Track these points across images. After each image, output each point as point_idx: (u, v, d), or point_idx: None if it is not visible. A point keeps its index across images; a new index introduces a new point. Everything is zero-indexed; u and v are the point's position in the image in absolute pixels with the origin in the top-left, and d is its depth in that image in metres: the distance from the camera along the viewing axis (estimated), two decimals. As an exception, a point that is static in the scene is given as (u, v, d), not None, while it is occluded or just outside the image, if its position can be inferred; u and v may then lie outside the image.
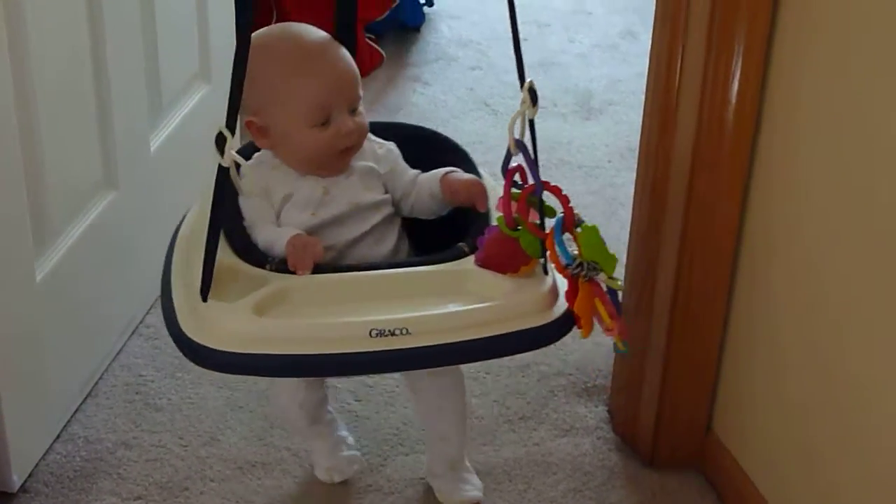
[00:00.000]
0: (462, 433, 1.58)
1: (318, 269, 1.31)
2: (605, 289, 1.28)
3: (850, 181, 1.33)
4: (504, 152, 1.34)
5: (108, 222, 1.81)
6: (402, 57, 3.00)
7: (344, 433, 1.69)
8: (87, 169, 1.77)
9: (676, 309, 1.62)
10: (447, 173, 1.44)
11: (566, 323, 1.30)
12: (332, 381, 1.82)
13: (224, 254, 1.32)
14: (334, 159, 1.41)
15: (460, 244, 1.36)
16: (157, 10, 1.91)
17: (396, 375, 1.79)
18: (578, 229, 1.28)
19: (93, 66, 1.73)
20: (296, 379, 1.50)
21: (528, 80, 1.30)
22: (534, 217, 1.32)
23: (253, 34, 1.24)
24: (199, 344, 1.26)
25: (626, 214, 1.79)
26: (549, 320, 1.29)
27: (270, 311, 1.26)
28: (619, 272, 1.80)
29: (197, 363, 1.28)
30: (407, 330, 1.24)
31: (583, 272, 1.27)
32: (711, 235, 1.57)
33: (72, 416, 1.78)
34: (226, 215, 1.32)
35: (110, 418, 1.79)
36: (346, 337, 1.24)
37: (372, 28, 2.96)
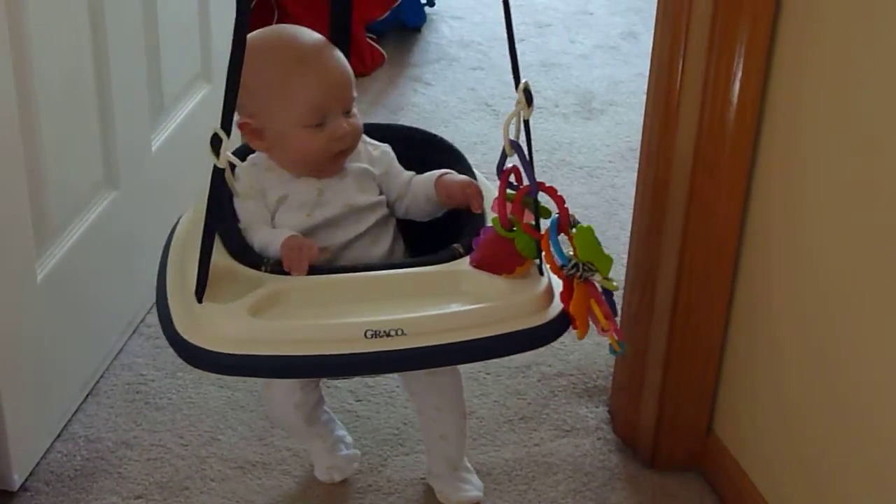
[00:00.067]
0: (461, 433, 1.58)
1: (313, 270, 1.31)
2: (600, 290, 1.28)
3: (851, 182, 1.33)
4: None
5: (110, 222, 1.81)
6: (403, 57, 3.01)
7: (341, 432, 1.69)
8: (88, 169, 1.77)
9: (677, 310, 1.62)
10: (442, 175, 1.44)
11: (561, 324, 1.30)
12: (331, 382, 1.82)
13: (219, 255, 1.32)
14: (329, 161, 1.41)
15: (455, 245, 1.35)
16: (159, 11, 1.91)
17: (395, 375, 1.79)
18: (574, 230, 1.28)
19: (94, 66, 1.73)
20: (290, 381, 1.50)
21: (523, 80, 1.29)
22: (529, 218, 1.32)
23: (248, 36, 1.24)
24: (194, 345, 1.26)
25: (626, 215, 1.80)
26: (544, 321, 1.29)
27: (265, 312, 1.26)
28: (620, 272, 1.82)
29: (192, 364, 1.28)
30: (402, 331, 1.24)
31: (578, 273, 1.27)
32: (712, 236, 1.57)
33: (72, 416, 1.78)
34: (221, 217, 1.32)
35: (111, 417, 1.79)
36: (341, 338, 1.24)
37: (373, 28, 2.97)
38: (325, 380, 1.70)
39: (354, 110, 1.43)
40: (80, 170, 1.75)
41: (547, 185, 1.31)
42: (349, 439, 1.69)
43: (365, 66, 2.89)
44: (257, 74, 1.32)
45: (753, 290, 1.56)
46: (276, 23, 2.78)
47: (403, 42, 3.08)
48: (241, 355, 1.23)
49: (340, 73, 1.41)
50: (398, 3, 2.98)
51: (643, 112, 1.64)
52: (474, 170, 1.49)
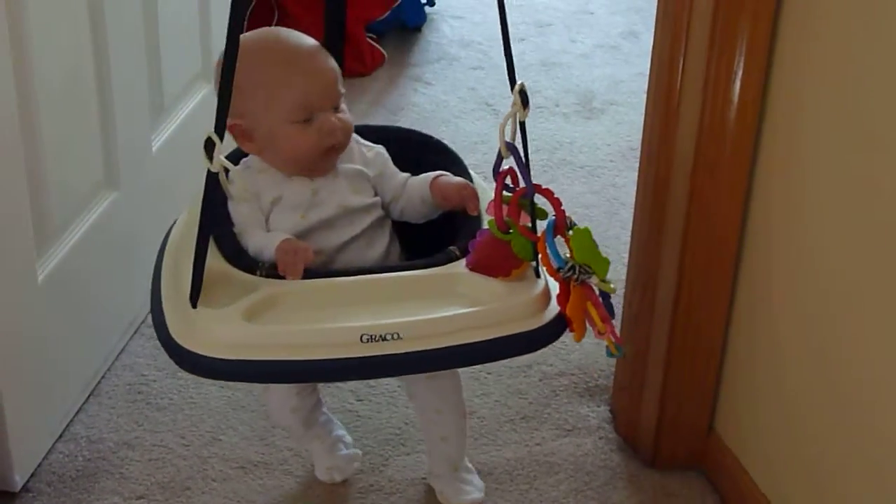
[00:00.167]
0: (462, 434, 1.58)
1: (308, 273, 1.30)
2: (597, 292, 1.27)
3: (852, 181, 1.33)
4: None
5: (110, 222, 1.81)
6: (403, 57, 3.01)
7: (340, 432, 1.68)
8: (89, 169, 1.77)
9: (678, 309, 1.62)
10: (437, 177, 1.44)
11: (558, 326, 1.29)
12: (329, 383, 1.82)
13: (214, 259, 1.32)
14: (320, 158, 1.40)
15: (451, 248, 1.35)
16: (159, 11, 1.91)
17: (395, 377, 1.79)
18: (570, 232, 1.27)
19: (94, 66, 1.73)
20: (287, 385, 1.49)
21: (520, 81, 1.29)
22: (525, 220, 1.32)
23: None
24: (188, 350, 1.25)
25: (627, 215, 1.80)
26: (540, 324, 1.28)
27: (260, 316, 1.26)
28: (621, 272, 1.82)
29: (186, 369, 1.27)
30: (398, 335, 1.23)
31: (574, 275, 1.26)
32: (713, 235, 1.57)
33: (74, 416, 1.78)
34: (215, 221, 1.32)
35: (112, 418, 1.79)
36: (337, 342, 1.23)
37: (373, 28, 2.97)
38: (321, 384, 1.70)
39: (344, 107, 1.42)
40: (81, 170, 1.75)
41: (543, 186, 1.30)
42: (348, 438, 1.69)
43: (365, 65, 2.89)
44: (243, 75, 1.29)
45: (754, 289, 1.56)
46: (276, 23, 2.78)
47: (404, 42, 3.08)
48: (236, 360, 1.23)
49: (325, 69, 1.41)
50: (398, 2, 2.98)
51: (644, 111, 1.63)
52: (470, 171, 1.48)
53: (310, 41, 1.42)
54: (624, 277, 1.75)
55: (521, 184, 1.31)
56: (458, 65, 2.96)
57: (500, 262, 1.31)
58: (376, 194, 1.46)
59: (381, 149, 1.48)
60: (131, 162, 1.85)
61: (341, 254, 1.41)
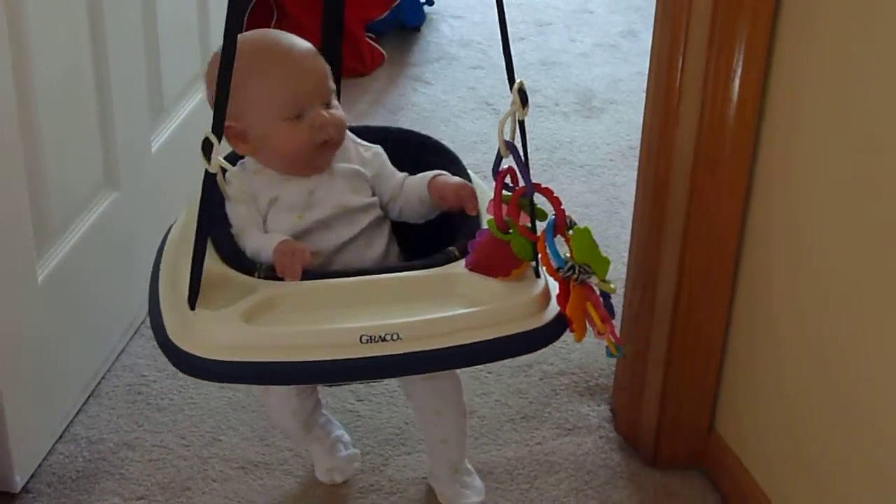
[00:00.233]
0: (462, 435, 1.58)
1: (306, 275, 1.29)
2: (597, 292, 1.27)
3: (852, 179, 1.33)
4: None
5: (110, 223, 1.81)
6: (403, 57, 3.01)
7: (339, 432, 1.68)
8: (89, 169, 1.77)
9: (678, 307, 1.62)
10: (435, 176, 1.43)
11: (558, 326, 1.29)
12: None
13: (212, 261, 1.31)
14: (314, 154, 1.40)
15: (450, 248, 1.34)
16: (158, 10, 1.91)
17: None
18: (570, 232, 1.27)
19: (94, 66, 1.73)
20: (286, 387, 1.49)
21: (518, 80, 1.28)
22: (525, 220, 1.31)
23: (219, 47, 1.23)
24: (186, 352, 1.24)
25: (627, 213, 1.80)
26: (540, 324, 1.28)
27: (259, 318, 1.25)
28: (621, 271, 1.82)
29: (184, 371, 1.26)
30: (397, 335, 1.23)
31: (574, 275, 1.25)
32: (713, 234, 1.57)
33: (74, 417, 1.78)
34: (213, 222, 1.31)
35: (112, 419, 1.79)
36: (336, 343, 1.23)
37: (373, 28, 2.97)
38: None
39: (335, 103, 1.42)
40: (80, 170, 1.75)
41: (543, 186, 1.30)
42: (347, 438, 1.69)
43: (365, 65, 2.89)
44: (234, 77, 1.30)
45: (754, 288, 1.56)
46: (275, 23, 2.78)
47: (403, 41, 3.08)
48: (235, 362, 1.22)
49: (314, 65, 1.40)
50: (397, 2, 2.98)
51: (643, 110, 1.63)
52: (469, 171, 1.48)
53: (298, 41, 1.42)
54: (624, 277, 1.75)
55: (521, 183, 1.31)
56: (458, 64, 2.96)
57: (500, 262, 1.30)
58: (374, 194, 1.45)
59: (378, 149, 1.48)
60: (131, 162, 1.85)
61: (340, 254, 1.41)
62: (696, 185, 1.54)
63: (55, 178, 1.65)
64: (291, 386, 1.48)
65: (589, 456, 1.74)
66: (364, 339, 1.22)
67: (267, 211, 1.40)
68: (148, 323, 1.94)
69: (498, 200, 1.29)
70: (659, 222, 1.61)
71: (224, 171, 1.33)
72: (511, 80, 1.29)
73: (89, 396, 1.82)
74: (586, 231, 1.26)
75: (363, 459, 1.70)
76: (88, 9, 1.70)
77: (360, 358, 1.22)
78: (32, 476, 1.67)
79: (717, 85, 1.48)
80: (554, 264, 1.26)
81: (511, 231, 1.29)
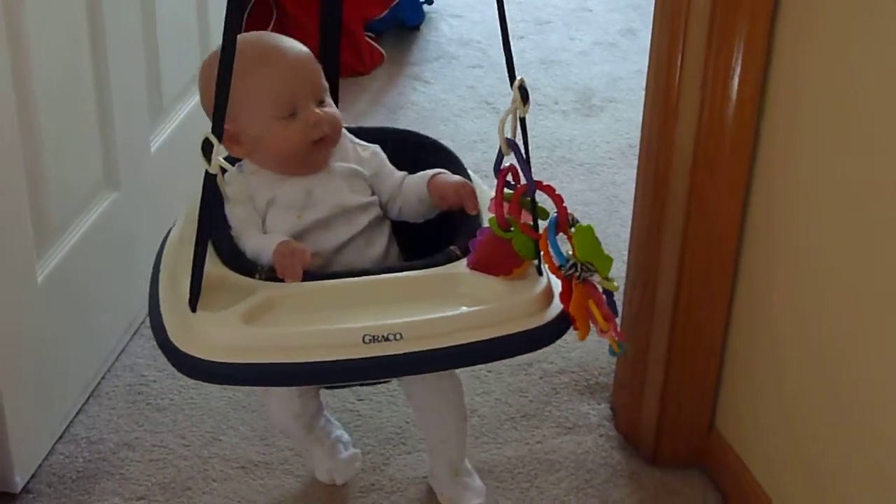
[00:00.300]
0: (462, 435, 1.57)
1: (307, 276, 1.29)
2: (599, 290, 1.27)
3: (851, 178, 1.33)
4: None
5: (110, 223, 1.81)
6: (402, 56, 3.00)
7: (339, 432, 1.67)
8: (88, 169, 1.77)
9: (678, 306, 1.62)
10: (434, 175, 1.43)
11: (561, 325, 1.28)
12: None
13: (212, 263, 1.31)
14: (309, 153, 1.39)
15: (451, 248, 1.34)
16: (158, 11, 1.91)
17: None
18: (572, 229, 1.27)
19: (93, 66, 1.73)
20: (288, 390, 1.48)
21: (518, 77, 1.28)
22: (526, 218, 1.31)
23: (213, 50, 1.22)
24: (188, 354, 1.24)
25: (626, 212, 1.80)
26: (543, 322, 1.27)
27: (259, 319, 1.25)
28: (620, 270, 1.82)
29: (186, 374, 1.26)
30: (400, 335, 1.22)
31: (577, 273, 1.25)
32: (713, 232, 1.57)
33: (74, 417, 1.78)
34: (213, 224, 1.31)
35: (113, 419, 1.79)
36: (339, 344, 1.22)
37: (372, 27, 2.97)
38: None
39: (329, 100, 1.41)
40: (80, 170, 1.75)
41: (545, 183, 1.30)
42: (347, 438, 1.68)
43: (364, 64, 2.89)
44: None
45: (754, 286, 1.56)
46: (275, 22, 2.78)
47: (402, 40, 3.08)
48: (237, 364, 1.21)
49: (304, 62, 1.40)
50: (397, 1, 2.98)
51: (643, 109, 1.63)
52: (468, 170, 1.48)
53: (289, 41, 1.41)
54: (624, 275, 1.75)
55: (523, 181, 1.30)
56: (457, 63, 2.96)
57: (502, 260, 1.30)
58: (373, 194, 1.45)
59: (376, 148, 1.47)
60: (130, 162, 1.85)
61: (340, 255, 1.40)
62: (695, 183, 1.54)
63: (55, 178, 1.65)
64: (293, 388, 1.48)
65: (589, 454, 1.74)
66: (366, 339, 1.22)
67: (265, 212, 1.39)
68: (148, 323, 1.94)
69: (500, 198, 1.29)
70: (658, 221, 1.61)
71: (223, 171, 1.33)
72: (511, 77, 1.28)
73: (89, 396, 1.82)
74: (589, 228, 1.26)
75: (364, 459, 1.70)
76: (88, 9, 1.70)
77: (362, 358, 1.22)
78: (32, 476, 1.67)
79: (716, 83, 1.48)
80: (556, 262, 1.26)
81: (512, 229, 1.29)
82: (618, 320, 1.28)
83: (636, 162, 1.68)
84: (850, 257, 1.34)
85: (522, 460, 1.73)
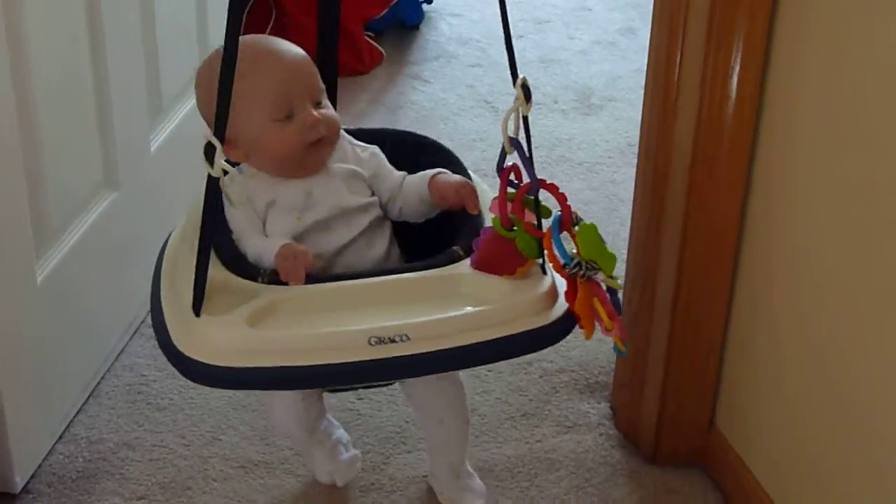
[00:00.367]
0: (464, 438, 1.57)
1: (309, 278, 1.28)
2: (603, 288, 1.27)
3: (850, 176, 1.33)
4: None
5: (109, 223, 1.81)
6: (401, 55, 3.01)
7: (340, 433, 1.67)
8: (88, 170, 1.77)
9: (678, 304, 1.62)
10: (435, 175, 1.42)
11: (567, 323, 1.28)
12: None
13: (214, 267, 1.30)
14: (306, 154, 1.38)
15: (454, 248, 1.33)
16: (157, 11, 1.91)
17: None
18: (576, 228, 1.26)
19: (93, 66, 1.73)
20: (291, 394, 1.47)
21: (520, 76, 1.28)
22: (529, 217, 1.30)
23: (208, 55, 1.20)
24: (194, 360, 1.23)
25: (626, 211, 1.79)
26: (550, 321, 1.27)
27: (264, 323, 1.24)
28: (620, 268, 1.81)
29: (193, 380, 1.25)
30: (406, 336, 1.21)
31: (581, 272, 1.25)
32: (712, 230, 1.57)
33: (74, 417, 1.78)
34: (217, 227, 1.30)
35: (112, 419, 1.79)
36: (345, 346, 1.21)
37: (371, 26, 2.97)
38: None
39: (325, 102, 1.41)
40: (80, 171, 1.75)
41: (548, 182, 1.29)
42: (347, 438, 1.68)
43: (363, 64, 2.89)
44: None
45: (754, 284, 1.56)
46: (274, 22, 2.78)
47: (402, 40, 3.08)
48: (243, 368, 1.20)
49: (299, 63, 1.39)
50: (396, 0, 2.98)
51: (642, 107, 1.63)
52: (468, 170, 1.47)
53: (284, 43, 1.40)
54: (623, 274, 1.75)
55: (525, 180, 1.30)
56: (457, 62, 2.96)
57: (505, 259, 1.29)
58: (373, 194, 1.44)
59: (375, 149, 1.47)
60: (130, 162, 1.85)
61: (341, 256, 1.40)
62: (694, 181, 1.54)
63: (54, 179, 1.65)
64: (297, 392, 1.47)
65: (589, 453, 1.74)
66: (373, 340, 1.21)
67: (266, 214, 1.39)
68: (148, 322, 1.95)
69: (503, 197, 1.28)
70: (658, 219, 1.61)
71: (225, 173, 1.32)
72: (514, 75, 1.28)
73: (89, 396, 1.82)
74: (592, 227, 1.26)
75: (364, 458, 1.69)
76: (87, 9, 1.70)
77: (369, 360, 1.21)
78: (32, 476, 1.67)
79: (715, 82, 1.48)
80: (560, 261, 1.25)
81: (515, 228, 1.28)
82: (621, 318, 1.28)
83: (635, 161, 1.68)
84: (849, 255, 1.34)
85: (522, 459, 1.73)
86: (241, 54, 1.34)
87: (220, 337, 1.23)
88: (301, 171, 1.40)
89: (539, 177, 1.29)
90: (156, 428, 1.77)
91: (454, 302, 1.27)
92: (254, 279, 1.30)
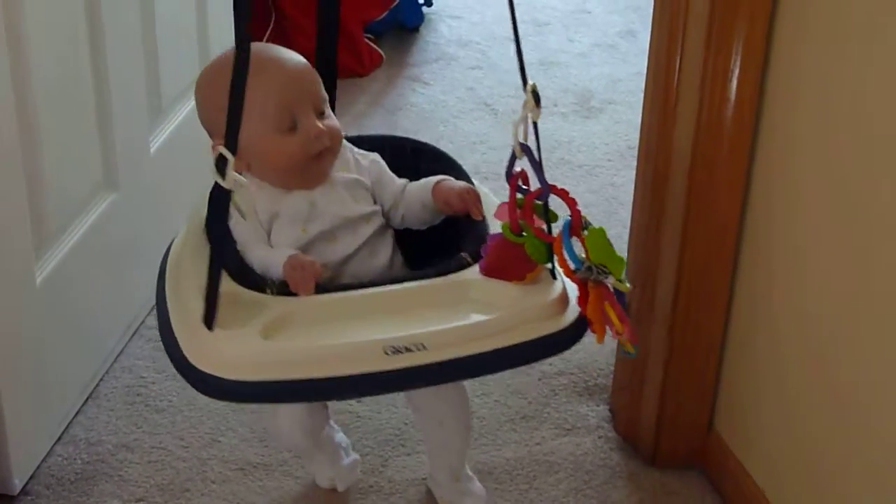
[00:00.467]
0: (465, 443, 1.57)
1: (318, 289, 1.27)
2: (612, 291, 1.27)
3: (850, 178, 1.33)
4: (505, 153, 1.32)
5: (109, 224, 1.81)
6: (401, 57, 3.01)
7: (340, 436, 1.67)
8: (87, 171, 1.77)
9: (677, 307, 1.62)
10: (439, 182, 1.42)
11: (580, 327, 1.28)
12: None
13: (222, 280, 1.27)
14: (310, 165, 1.37)
15: (462, 254, 1.32)
16: (157, 12, 1.91)
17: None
18: (585, 232, 1.26)
19: (92, 67, 1.73)
20: (299, 408, 1.46)
21: (530, 82, 1.27)
22: (536, 222, 1.30)
23: (208, 64, 1.17)
24: (209, 374, 1.21)
25: (625, 213, 1.79)
26: (564, 325, 1.27)
27: (277, 335, 1.23)
28: (620, 271, 1.82)
29: (208, 394, 1.23)
30: (423, 345, 1.21)
31: (592, 276, 1.25)
32: (712, 233, 1.57)
33: (73, 419, 1.77)
34: (227, 239, 1.29)
35: (111, 420, 1.79)
36: (362, 357, 1.20)
37: (371, 28, 2.97)
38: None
39: (329, 112, 1.39)
40: (79, 172, 1.75)
41: (558, 187, 1.29)
42: (347, 442, 1.68)
43: (363, 66, 2.89)
44: (220, 93, 1.23)
45: (753, 286, 1.56)
46: (274, 25, 2.78)
47: (402, 42, 3.08)
48: (261, 381, 1.19)
49: (302, 72, 1.38)
50: (396, 3, 2.99)
51: (641, 110, 1.63)
52: (469, 175, 1.47)
53: (286, 52, 1.39)
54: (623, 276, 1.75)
55: (532, 185, 1.30)
56: (457, 65, 2.96)
57: (515, 265, 1.29)
58: (375, 203, 1.43)
59: (375, 156, 1.46)
60: (130, 163, 1.85)
61: (346, 266, 1.39)
62: (694, 184, 1.54)
63: (54, 180, 1.65)
64: (304, 405, 1.45)
65: (588, 456, 1.74)
66: (390, 350, 1.20)
67: (270, 226, 1.37)
68: (147, 324, 1.95)
69: (513, 203, 1.28)
70: (657, 222, 1.61)
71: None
72: (524, 81, 1.27)
73: (88, 398, 1.82)
74: (601, 231, 1.26)
75: (362, 460, 1.69)
76: (87, 10, 1.70)
77: (388, 370, 1.20)
78: (31, 478, 1.67)
79: (714, 85, 1.48)
80: (571, 265, 1.25)
81: (524, 234, 1.28)
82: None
83: (635, 164, 1.68)
84: (849, 256, 1.34)
85: (521, 462, 1.73)
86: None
87: (235, 350, 1.21)
88: (304, 183, 1.38)
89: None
90: (154, 430, 1.77)
91: (465, 309, 1.27)
92: (262, 290, 1.28)
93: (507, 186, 1.30)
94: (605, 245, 1.25)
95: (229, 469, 1.70)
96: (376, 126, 2.61)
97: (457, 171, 1.46)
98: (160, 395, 1.83)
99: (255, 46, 1.37)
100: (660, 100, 1.56)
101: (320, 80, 1.40)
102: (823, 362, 1.41)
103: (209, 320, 1.24)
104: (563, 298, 1.29)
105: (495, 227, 1.34)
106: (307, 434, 1.51)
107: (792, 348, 1.48)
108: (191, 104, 2.04)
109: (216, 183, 1.19)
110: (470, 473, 1.63)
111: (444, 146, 1.53)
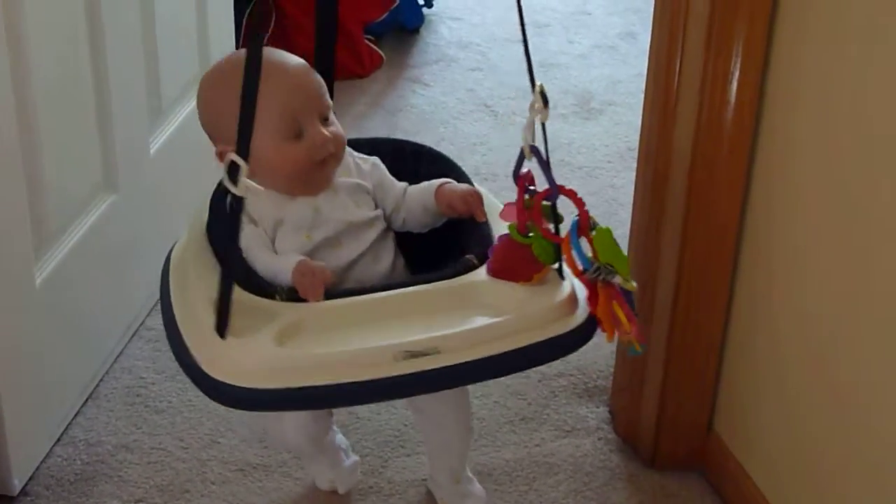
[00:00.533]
0: (465, 445, 1.56)
1: (326, 294, 1.26)
2: (620, 291, 1.27)
3: (849, 179, 1.33)
4: (505, 154, 1.32)
5: (108, 225, 1.81)
6: (401, 58, 3.01)
7: (340, 438, 1.66)
8: (87, 172, 1.77)
9: (677, 308, 1.62)
10: (442, 185, 1.41)
11: (590, 327, 1.27)
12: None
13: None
14: (315, 172, 1.36)
15: (468, 256, 1.32)
16: (157, 13, 1.91)
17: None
18: (593, 232, 1.26)
19: (92, 68, 1.73)
20: (304, 414, 1.46)
21: (538, 83, 1.26)
22: (544, 223, 1.30)
23: (211, 67, 1.16)
24: (223, 383, 1.19)
25: (625, 215, 1.79)
26: (575, 325, 1.26)
27: (291, 341, 1.22)
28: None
29: (225, 403, 1.22)
30: (437, 349, 1.20)
31: (600, 276, 1.25)
32: (712, 234, 1.57)
33: (72, 420, 1.77)
34: (236, 246, 1.28)
35: (111, 421, 1.78)
36: (378, 362, 1.19)
37: (371, 30, 2.97)
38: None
39: (333, 118, 1.39)
40: (79, 173, 1.75)
41: (566, 188, 1.29)
42: (347, 443, 1.68)
43: (363, 67, 2.89)
44: (224, 99, 1.24)
45: (753, 287, 1.56)
46: (275, 25, 2.78)
47: (402, 43, 3.08)
48: (277, 389, 1.18)
49: (307, 79, 1.37)
50: (396, 4, 2.99)
51: (642, 112, 1.63)
52: (469, 177, 1.47)
53: (290, 57, 1.38)
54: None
55: (539, 186, 1.30)
56: (457, 66, 2.96)
57: (522, 266, 1.29)
58: (377, 206, 1.43)
59: (375, 160, 1.45)
60: (129, 164, 1.85)
61: (350, 271, 1.38)
62: (694, 185, 1.54)
63: (54, 181, 1.65)
64: (310, 411, 1.45)
65: (588, 457, 1.74)
66: (405, 354, 1.20)
67: (274, 233, 1.36)
68: (146, 325, 1.95)
69: (521, 204, 1.28)
70: (658, 223, 1.61)
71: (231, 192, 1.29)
72: (532, 83, 1.26)
73: (87, 399, 1.82)
74: (608, 231, 1.26)
75: (362, 461, 1.69)
76: (87, 10, 1.70)
77: (402, 375, 1.19)
78: (30, 479, 1.67)
79: (714, 87, 1.48)
80: (580, 266, 1.25)
81: (531, 235, 1.28)
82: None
83: (635, 165, 1.68)
84: (849, 256, 1.34)
85: (521, 463, 1.73)
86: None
87: (249, 358, 1.20)
88: (308, 189, 1.37)
89: (539, 182, 1.29)
90: (154, 430, 1.77)
91: (474, 311, 1.26)
92: (270, 297, 1.27)
93: (507, 187, 1.30)
94: (612, 245, 1.25)
95: (229, 470, 1.70)
96: (376, 127, 2.61)
97: (456, 172, 1.46)
98: (160, 396, 1.83)
99: (264, 52, 1.37)
100: (660, 101, 1.56)
101: (325, 85, 1.40)
102: (823, 362, 1.41)
103: (221, 328, 1.23)
104: (573, 299, 1.29)
105: (498, 228, 1.34)
106: (311, 440, 1.51)
107: (792, 348, 1.48)
108: (191, 105, 2.05)
109: (223, 189, 1.18)
110: (470, 475, 1.63)
111: (444, 148, 1.53)
